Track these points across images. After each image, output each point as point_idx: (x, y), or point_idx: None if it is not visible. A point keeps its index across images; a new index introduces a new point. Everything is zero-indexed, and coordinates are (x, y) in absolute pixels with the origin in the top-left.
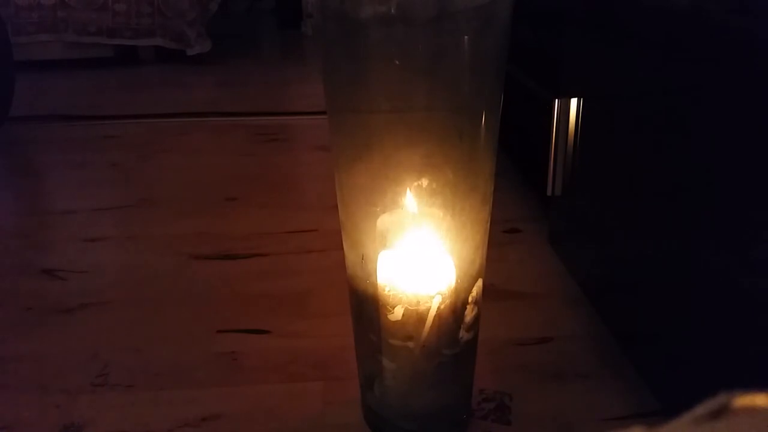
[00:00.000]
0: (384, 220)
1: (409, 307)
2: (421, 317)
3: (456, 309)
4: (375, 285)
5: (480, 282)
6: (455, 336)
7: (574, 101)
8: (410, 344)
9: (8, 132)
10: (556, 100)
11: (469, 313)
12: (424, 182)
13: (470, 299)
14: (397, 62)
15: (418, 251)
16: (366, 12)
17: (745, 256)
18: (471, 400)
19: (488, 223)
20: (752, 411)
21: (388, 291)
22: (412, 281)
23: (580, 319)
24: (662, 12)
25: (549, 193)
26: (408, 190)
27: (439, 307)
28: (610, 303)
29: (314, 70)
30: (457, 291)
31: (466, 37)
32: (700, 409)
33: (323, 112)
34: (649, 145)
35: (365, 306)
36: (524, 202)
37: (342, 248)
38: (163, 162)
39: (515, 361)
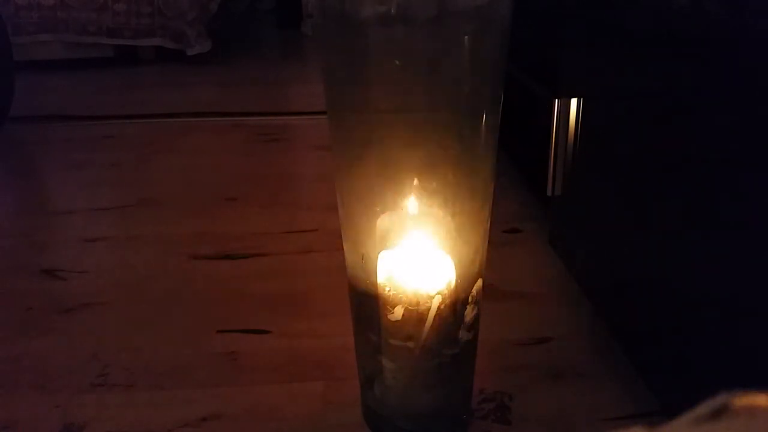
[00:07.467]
0: (384, 220)
1: (409, 307)
2: (421, 317)
3: (456, 309)
4: (375, 285)
5: (480, 282)
6: (455, 336)
7: (574, 101)
8: (410, 344)
9: (8, 132)
10: (556, 100)
11: (469, 313)
12: (424, 182)
13: (470, 299)
14: (397, 62)
15: (418, 251)
16: (366, 12)
17: (745, 256)
18: (471, 400)
19: (488, 223)
20: (752, 411)
21: (388, 291)
22: (412, 281)
23: (580, 319)
24: (662, 11)
25: (549, 193)
26: (408, 190)
27: (439, 307)
28: (610, 303)
29: (314, 70)
30: (457, 291)
31: (466, 37)
32: (701, 409)
33: (323, 112)
34: (649, 145)
35: (365, 306)
36: (524, 202)
37: (342, 248)
38: (163, 162)
39: (515, 361)
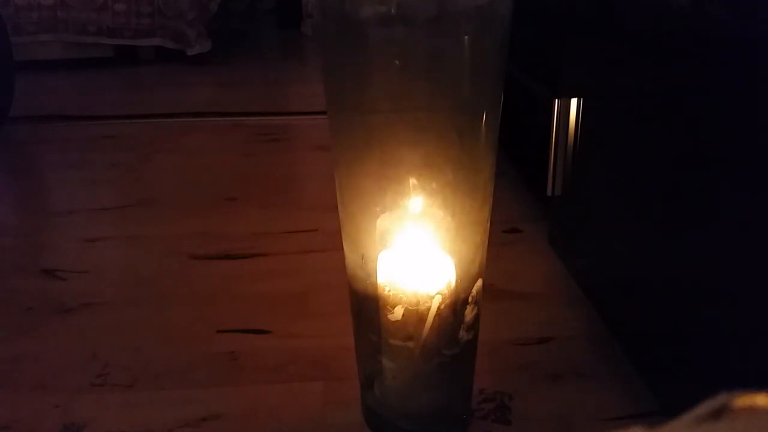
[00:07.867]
0: (384, 220)
1: (409, 307)
2: (421, 317)
3: (456, 309)
4: (375, 285)
5: (480, 282)
6: (455, 336)
7: (574, 101)
8: (410, 344)
9: (8, 132)
10: (556, 100)
11: (469, 313)
12: (424, 182)
13: (470, 299)
14: (397, 62)
15: (418, 251)
16: (366, 12)
17: (745, 256)
18: (471, 400)
19: (488, 223)
20: (752, 411)
21: (388, 291)
22: (412, 281)
23: (580, 319)
24: (662, 11)
25: (549, 193)
26: (408, 190)
27: (439, 307)
28: (610, 303)
29: (314, 70)
30: (457, 291)
31: (466, 37)
32: (700, 409)
33: (323, 112)
34: (648, 145)
35: (365, 306)
36: (524, 202)
37: (342, 248)
38: (163, 162)
39: (515, 361)
